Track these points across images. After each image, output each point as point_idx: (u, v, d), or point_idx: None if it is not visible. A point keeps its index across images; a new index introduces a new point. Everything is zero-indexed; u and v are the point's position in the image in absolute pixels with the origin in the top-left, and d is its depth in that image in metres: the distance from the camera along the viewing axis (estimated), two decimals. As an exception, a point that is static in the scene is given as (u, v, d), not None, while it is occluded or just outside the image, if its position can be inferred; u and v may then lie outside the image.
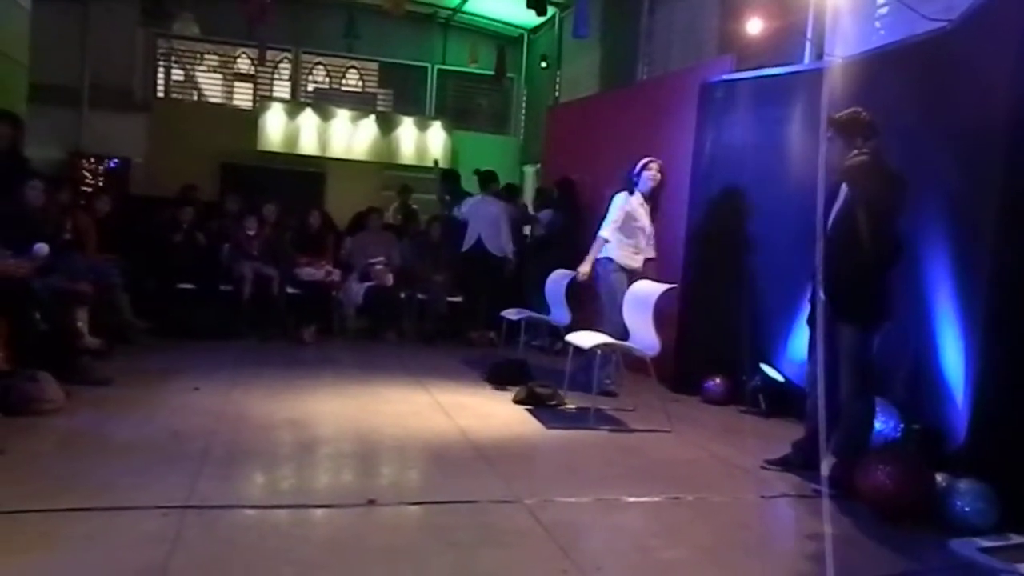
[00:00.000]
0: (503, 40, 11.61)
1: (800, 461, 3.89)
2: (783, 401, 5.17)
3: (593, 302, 5.85)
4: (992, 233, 3.61)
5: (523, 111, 12.11)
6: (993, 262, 3.59)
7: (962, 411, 3.66)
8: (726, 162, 5.88)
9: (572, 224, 7.50)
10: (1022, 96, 3.54)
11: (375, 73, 11.77)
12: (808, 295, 3.96)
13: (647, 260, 5.65)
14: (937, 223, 4.03)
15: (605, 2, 9.41)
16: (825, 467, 3.60)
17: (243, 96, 11.26)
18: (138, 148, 10.00)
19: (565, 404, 5.16)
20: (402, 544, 2.80)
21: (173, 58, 11.06)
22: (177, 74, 11.15)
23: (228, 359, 6.03)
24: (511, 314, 6.52)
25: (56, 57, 8.78)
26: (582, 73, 9.92)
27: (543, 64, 10.99)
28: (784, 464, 3.97)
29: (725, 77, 6.01)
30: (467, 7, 10.93)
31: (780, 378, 5.28)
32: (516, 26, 11.56)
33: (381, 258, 7.93)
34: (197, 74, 11.27)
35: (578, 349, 4.99)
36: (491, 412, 4.94)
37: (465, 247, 7.83)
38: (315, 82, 11.54)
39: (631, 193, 5.61)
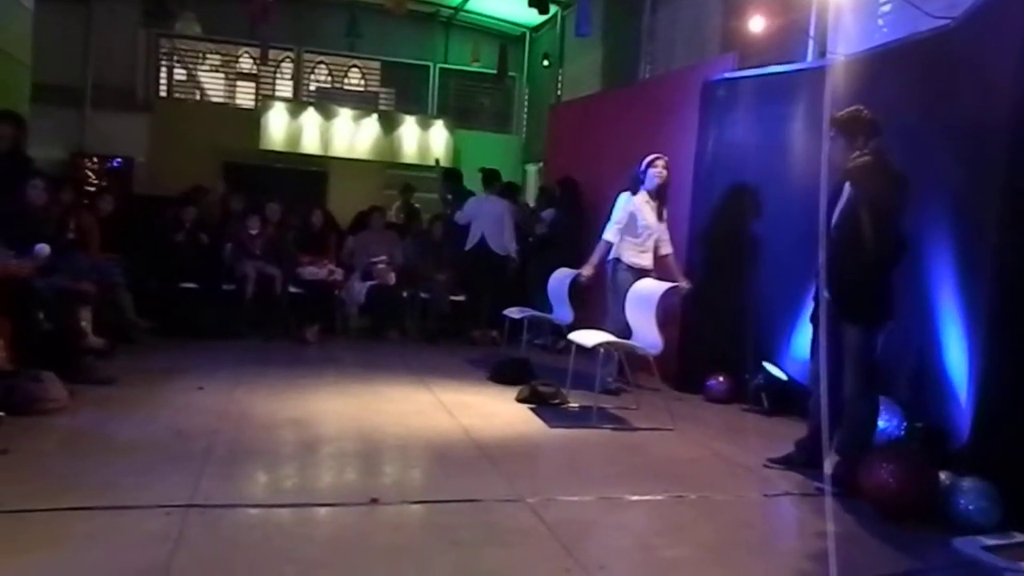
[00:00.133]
0: (505, 39, 11.61)
1: (803, 459, 3.89)
2: (786, 399, 5.17)
3: (601, 301, 5.85)
4: (995, 232, 3.61)
5: (525, 110, 12.11)
6: (996, 260, 3.58)
7: (965, 409, 3.65)
8: (729, 161, 5.87)
9: (574, 223, 7.50)
10: (1025, 94, 3.54)
11: (377, 72, 11.78)
12: (811, 293, 3.96)
13: (663, 256, 5.63)
14: (940, 222, 4.02)
15: (607, 0, 9.40)
16: (828, 465, 3.59)
17: (245, 95, 11.27)
18: (141, 148, 10.02)
19: (568, 403, 5.17)
20: (405, 543, 2.80)
21: (175, 58, 11.07)
22: (179, 74, 11.16)
23: (231, 358, 6.03)
24: (514, 313, 6.52)
25: (59, 57, 8.79)
26: (584, 72, 9.91)
27: (545, 63, 10.98)
28: (787, 462, 3.96)
29: (728, 75, 6.00)
30: (469, 6, 10.93)
31: (783, 376, 5.28)
32: (518, 25, 11.56)
33: (383, 257, 7.93)
34: (199, 73, 11.28)
35: (582, 347, 4.99)
36: (494, 411, 4.94)
37: (468, 246, 7.83)
38: (317, 81, 11.55)
39: (635, 192, 5.60)
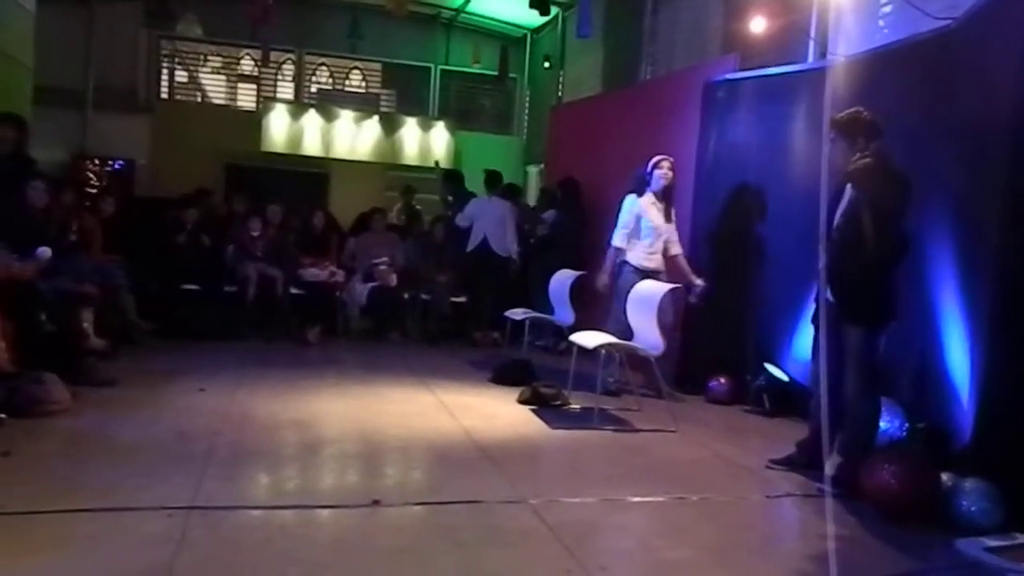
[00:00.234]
0: (506, 40, 11.61)
1: (805, 461, 3.89)
2: (787, 400, 5.17)
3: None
4: (997, 232, 3.60)
5: (526, 111, 12.11)
6: (998, 261, 3.58)
7: (967, 410, 3.65)
8: (730, 162, 5.88)
9: (576, 224, 7.50)
10: (1027, 94, 3.53)
11: (378, 74, 11.79)
12: (812, 294, 3.96)
13: (673, 257, 5.61)
14: (941, 223, 4.02)
15: (608, 2, 9.41)
16: (830, 467, 3.59)
17: (247, 97, 11.28)
18: (142, 150, 10.02)
19: (569, 404, 5.17)
20: (407, 544, 2.80)
21: (177, 60, 11.08)
22: (181, 76, 11.17)
23: (232, 360, 6.03)
24: (515, 314, 6.52)
25: (60, 59, 8.80)
26: (585, 73, 9.91)
27: (546, 64, 10.99)
28: (789, 464, 3.96)
29: (729, 76, 6.00)
30: (470, 7, 10.94)
31: (784, 377, 5.28)
32: (519, 26, 11.56)
33: (385, 259, 7.93)
34: (201, 75, 11.29)
35: (584, 349, 4.99)
36: (495, 412, 4.95)
37: (470, 247, 7.83)
38: (318, 83, 11.56)
39: (640, 195, 5.60)
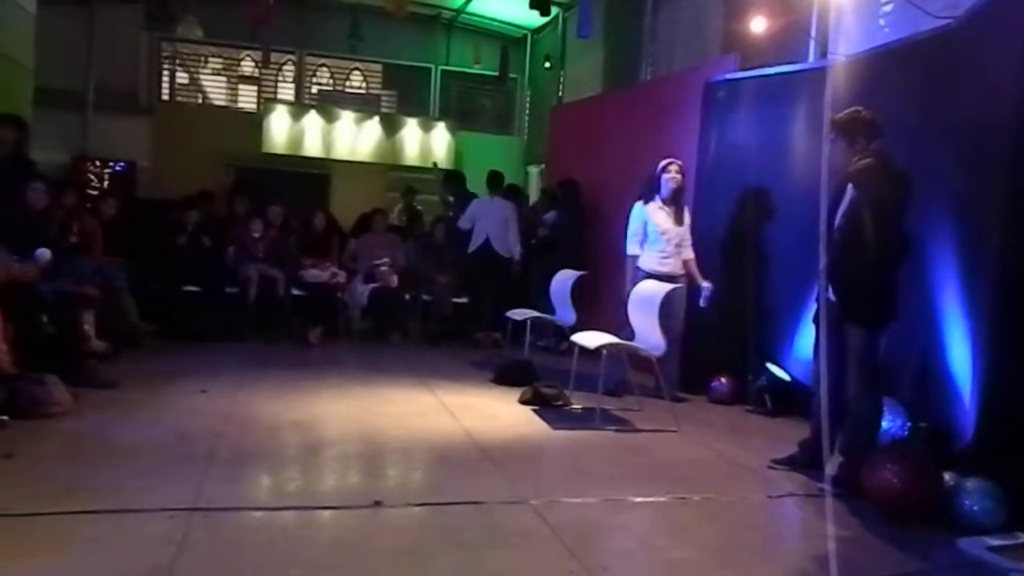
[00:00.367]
0: (506, 41, 11.61)
1: (806, 460, 3.89)
2: (789, 400, 5.17)
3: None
4: (998, 232, 3.60)
5: (527, 112, 12.11)
6: (999, 260, 3.58)
7: (969, 409, 3.65)
8: (730, 161, 5.87)
9: (576, 224, 7.51)
10: (1028, 93, 3.53)
11: (379, 75, 11.79)
12: (814, 294, 3.95)
13: (685, 260, 5.58)
14: (943, 222, 4.02)
15: (608, 2, 9.40)
16: (832, 466, 3.59)
17: (247, 98, 11.28)
18: (143, 151, 10.02)
19: (571, 404, 5.17)
20: (408, 545, 2.80)
21: (177, 61, 11.09)
22: (181, 77, 11.18)
23: (234, 361, 6.04)
24: (516, 315, 6.52)
25: (61, 61, 8.80)
26: (586, 73, 9.91)
27: (547, 64, 10.99)
28: (791, 464, 3.96)
29: (729, 76, 6.00)
30: (470, 8, 10.94)
31: (786, 377, 5.28)
32: (519, 26, 11.56)
33: (386, 259, 7.94)
34: (201, 77, 11.30)
35: (585, 349, 4.99)
36: (497, 413, 4.95)
37: (472, 248, 7.83)
38: (319, 84, 11.57)
39: (647, 201, 5.58)
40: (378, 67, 11.72)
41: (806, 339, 4.82)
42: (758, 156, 5.68)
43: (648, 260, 5.53)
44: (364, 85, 11.79)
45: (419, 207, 9.65)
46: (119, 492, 3.05)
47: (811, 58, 5.82)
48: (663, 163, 5.58)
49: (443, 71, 11.79)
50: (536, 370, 5.89)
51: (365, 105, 11.20)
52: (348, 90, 11.66)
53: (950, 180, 3.99)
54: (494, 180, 8.10)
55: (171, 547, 2.57)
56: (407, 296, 7.91)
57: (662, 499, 3.44)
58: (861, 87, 4.07)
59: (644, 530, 3.14)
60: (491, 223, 7.78)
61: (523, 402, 5.18)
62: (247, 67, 11.28)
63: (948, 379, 3.91)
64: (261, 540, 2.73)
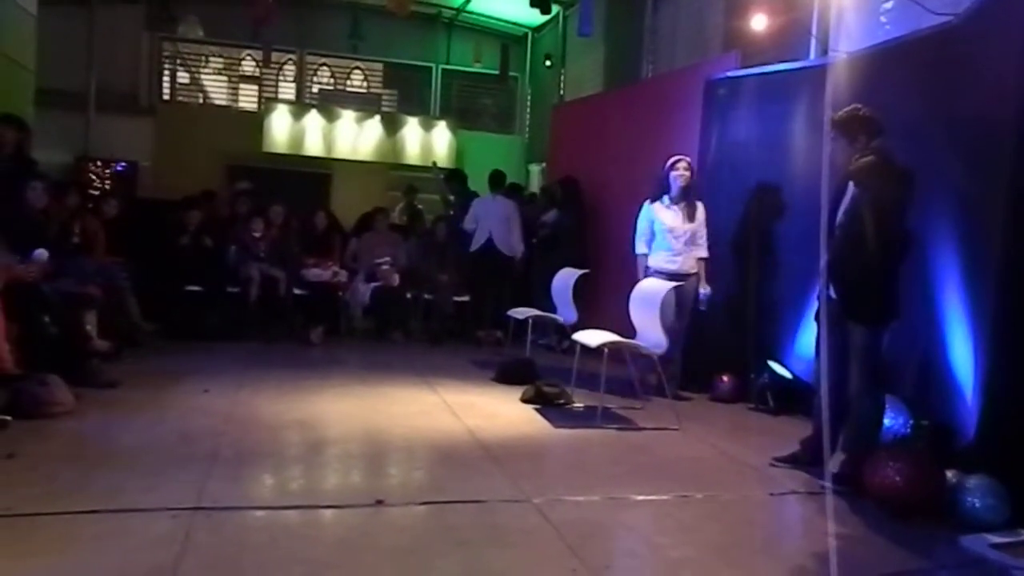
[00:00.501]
0: (507, 39, 11.61)
1: (809, 458, 3.88)
2: (791, 398, 5.16)
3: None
4: (1000, 229, 3.60)
5: (528, 110, 12.11)
6: (1001, 257, 3.57)
7: (971, 407, 3.64)
8: (731, 159, 5.87)
9: (577, 223, 7.50)
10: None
11: (380, 74, 11.79)
12: (815, 292, 3.95)
13: (699, 260, 5.55)
14: (945, 219, 4.01)
15: (609, 0, 9.39)
16: (834, 464, 3.59)
17: (248, 98, 11.29)
18: (145, 151, 10.04)
19: (573, 403, 5.17)
20: (411, 544, 2.80)
21: (178, 61, 11.10)
22: (182, 77, 11.18)
23: (236, 361, 6.04)
24: (518, 313, 6.52)
25: (62, 62, 8.81)
26: (586, 71, 9.91)
27: (547, 63, 10.98)
28: (793, 461, 3.96)
29: (730, 74, 5.99)
30: (471, 7, 10.94)
31: (788, 375, 5.27)
32: (520, 25, 11.56)
33: (387, 258, 7.94)
34: (202, 77, 11.30)
35: (587, 347, 4.99)
36: (498, 411, 4.95)
37: (475, 247, 7.83)
38: (320, 83, 11.57)
39: (654, 200, 5.56)
40: (379, 66, 11.72)
41: (808, 337, 4.82)
42: (759, 154, 5.67)
43: (657, 259, 5.53)
44: (365, 84, 11.79)
45: (420, 206, 9.65)
46: (121, 492, 3.05)
47: (812, 56, 5.81)
48: (671, 160, 5.56)
49: (444, 70, 11.80)
50: (538, 369, 5.89)
51: (366, 104, 11.20)
52: (349, 89, 11.66)
53: (952, 177, 3.99)
54: (496, 179, 8.10)
55: (174, 546, 2.57)
56: (409, 295, 7.91)
57: (664, 497, 3.44)
58: (862, 85, 4.06)
59: (646, 528, 3.14)
60: (494, 222, 7.79)
61: (525, 401, 5.18)
62: (248, 67, 11.29)
63: (950, 376, 3.90)
64: (264, 539, 2.73)
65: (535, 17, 10.24)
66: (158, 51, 10.74)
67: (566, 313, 6.29)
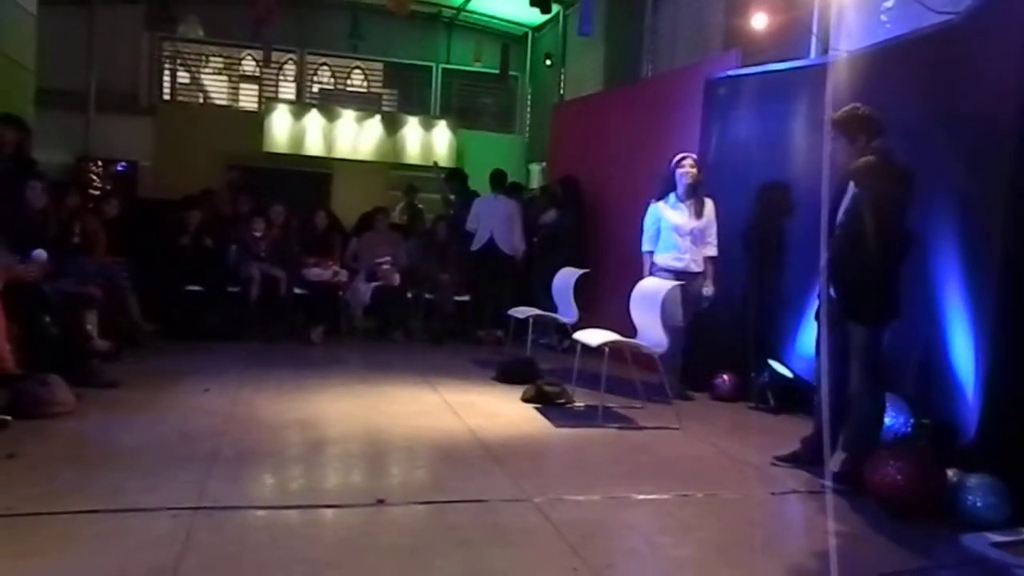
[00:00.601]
0: (507, 39, 11.60)
1: (809, 457, 3.88)
2: (792, 397, 5.16)
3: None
4: (1001, 227, 3.59)
5: (528, 109, 12.10)
6: (1002, 256, 3.57)
7: (973, 406, 3.64)
8: (732, 158, 5.87)
9: (577, 222, 7.50)
10: (1030, 89, 3.52)
11: (380, 73, 11.78)
12: (816, 290, 3.94)
13: (707, 259, 5.51)
14: (946, 218, 4.01)
15: (609, -1, 9.40)
16: (835, 463, 3.59)
17: (248, 98, 11.28)
18: (145, 151, 10.02)
19: (573, 402, 5.17)
20: (412, 543, 2.80)
21: (178, 61, 11.08)
22: (183, 77, 11.17)
23: (236, 360, 6.04)
24: (519, 312, 6.52)
25: (62, 62, 8.80)
26: (587, 71, 9.90)
27: (547, 62, 10.97)
28: (794, 460, 3.95)
29: (730, 73, 5.99)
30: (471, 6, 10.93)
31: (789, 374, 5.27)
32: (520, 24, 11.55)
33: (388, 258, 7.94)
34: (203, 76, 11.29)
35: (588, 347, 4.99)
36: (499, 411, 4.95)
37: (477, 246, 7.83)
38: (320, 83, 11.55)
39: (659, 198, 5.55)
40: (379, 66, 11.70)
41: (808, 336, 4.82)
42: (759, 153, 5.67)
43: (664, 257, 5.51)
44: (365, 84, 11.78)
45: (421, 205, 9.65)
46: (122, 492, 3.05)
47: (812, 54, 5.80)
48: (676, 158, 5.54)
49: (444, 69, 11.78)
50: (538, 368, 5.89)
51: (366, 104, 11.18)
52: (349, 89, 11.64)
53: (952, 176, 3.99)
54: (497, 178, 8.10)
55: (175, 546, 2.57)
56: (409, 294, 7.91)
57: (665, 496, 3.44)
58: (863, 84, 4.06)
59: (647, 527, 3.14)
60: (495, 221, 7.79)
61: (526, 400, 5.18)
62: (248, 66, 11.27)
63: (951, 375, 3.90)
64: (264, 539, 2.73)
65: (535, 16, 10.23)
66: (158, 51, 10.72)
67: (567, 312, 6.29)
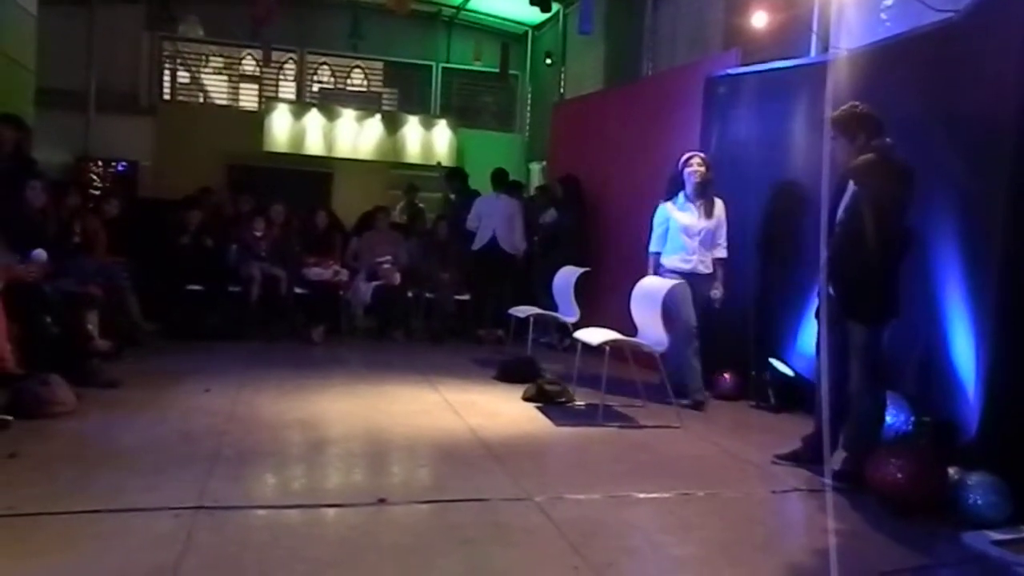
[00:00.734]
0: (507, 37, 11.60)
1: (810, 456, 3.88)
2: (793, 396, 5.16)
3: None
4: (1001, 225, 3.59)
5: (528, 108, 12.10)
6: (1002, 254, 3.57)
7: (973, 404, 3.64)
8: (732, 157, 5.85)
9: (578, 221, 7.50)
10: (1031, 86, 3.52)
11: (380, 72, 11.78)
12: (816, 289, 3.94)
13: (716, 260, 5.42)
14: (946, 216, 4.01)
15: (609, -2, 9.39)
16: (835, 461, 3.59)
17: (249, 97, 11.28)
18: (145, 151, 10.03)
19: (574, 401, 5.17)
20: (413, 542, 2.80)
21: (179, 61, 11.09)
22: (183, 76, 11.17)
23: (237, 360, 6.04)
24: (519, 311, 6.52)
25: (62, 61, 8.81)
26: (587, 69, 9.90)
27: (548, 61, 10.97)
28: (794, 459, 3.95)
29: (730, 71, 5.99)
30: (471, 5, 10.93)
31: (789, 372, 5.27)
32: (520, 23, 11.55)
33: (388, 257, 7.94)
34: (203, 76, 11.29)
35: (588, 346, 4.99)
36: (500, 410, 4.95)
37: (478, 245, 7.83)
38: (320, 82, 11.56)
39: (667, 198, 5.49)
40: (379, 65, 11.71)
41: (809, 334, 4.82)
42: (759, 151, 5.66)
43: (671, 258, 5.44)
44: (365, 83, 11.78)
45: (421, 204, 9.65)
46: (123, 491, 3.05)
47: (813, 53, 5.80)
48: (685, 157, 5.45)
49: (444, 68, 11.78)
50: (539, 367, 5.89)
51: (366, 103, 11.19)
52: (349, 88, 11.65)
53: (952, 174, 3.98)
54: (498, 177, 8.10)
55: (176, 546, 2.57)
56: (410, 294, 7.91)
57: (666, 495, 3.44)
58: (863, 81, 4.06)
59: (648, 526, 3.14)
60: (497, 220, 7.79)
61: (526, 399, 5.19)
62: (248, 66, 11.27)
63: (952, 373, 3.90)
64: (266, 538, 2.74)
65: (535, 15, 10.22)
66: (158, 51, 10.72)
67: (567, 311, 6.29)
